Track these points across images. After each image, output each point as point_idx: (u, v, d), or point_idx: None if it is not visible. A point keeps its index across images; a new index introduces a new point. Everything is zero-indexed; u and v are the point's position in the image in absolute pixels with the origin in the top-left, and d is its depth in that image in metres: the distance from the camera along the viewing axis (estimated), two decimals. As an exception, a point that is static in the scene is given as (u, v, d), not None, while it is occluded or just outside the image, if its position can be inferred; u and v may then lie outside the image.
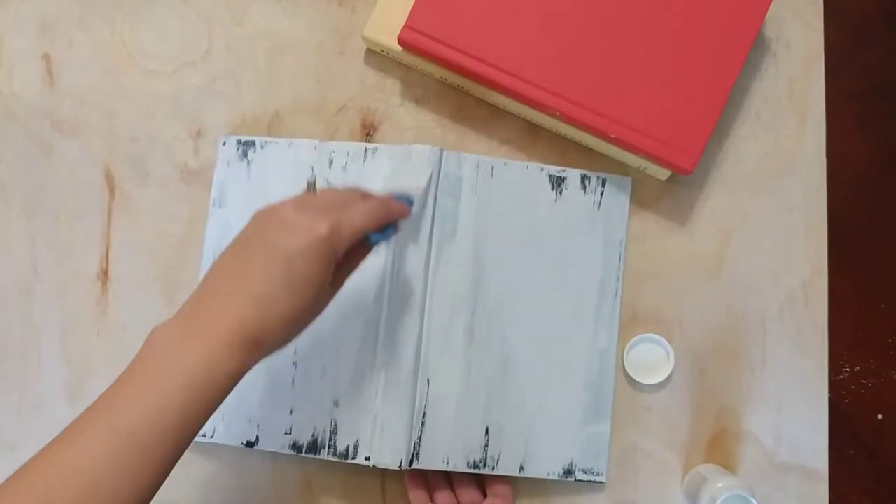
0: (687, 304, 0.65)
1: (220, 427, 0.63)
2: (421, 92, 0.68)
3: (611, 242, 0.65)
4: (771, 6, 0.62)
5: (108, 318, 0.66)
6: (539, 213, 0.64)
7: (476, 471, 0.62)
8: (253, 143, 0.66)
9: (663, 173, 0.64)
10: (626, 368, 0.64)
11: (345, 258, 0.51)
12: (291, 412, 0.62)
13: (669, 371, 0.64)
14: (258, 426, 0.63)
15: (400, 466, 0.60)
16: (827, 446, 0.64)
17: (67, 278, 0.67)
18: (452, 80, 0.66)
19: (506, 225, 0.64)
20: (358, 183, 0.64)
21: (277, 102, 0.68)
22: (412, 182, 0.61)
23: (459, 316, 0.62)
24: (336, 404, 0.62)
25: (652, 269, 0.65)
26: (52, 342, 0.66)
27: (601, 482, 0.63)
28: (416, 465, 0.60)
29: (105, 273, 0.67)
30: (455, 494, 0.62)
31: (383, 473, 0.64)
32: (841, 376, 0.66)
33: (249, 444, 0.63)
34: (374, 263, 0.63)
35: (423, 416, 0.61)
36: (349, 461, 0.61)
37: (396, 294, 0.62)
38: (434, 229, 0.62)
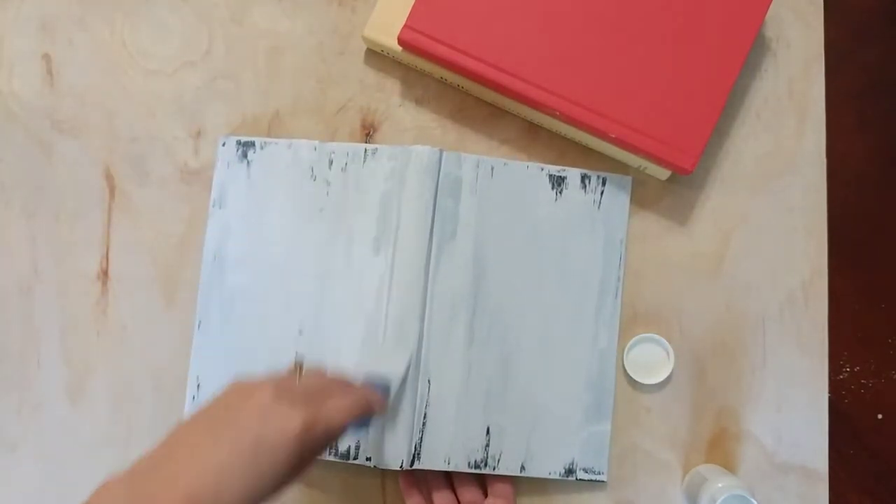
0: (687, 304, 0.65)
1: (221, 427, 0.63)
2: (421, 92, 0.68)
3: (611, 242, 0.65)
4: (771, 6, 0.62)
5: (108, 318, 0.66)
6: (539, 212, 0.64)
7: (477, 471, 0.62)
8: (253, 144, 0.66)
9: (663, 173, 0.64)
10: (626, 368, 0.64)
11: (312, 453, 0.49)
12: (292, 412, 0.62)
13: (669, 371, 0.64)
14: (258, 426, 0.63)
15: (401, 467, 0.60)
16: (827, 446, 0.64)
17: (67, 278, 0.67)
18: (452, 80, 0.66)
19: (506, 225, 0.64)
20: (358, 182, 0.64)
21: (277, 102, 0.68)
22: (389, 367, 0.60)
23: (460, 316, 0.62)
24: (336, 404, 0.62)
25: (652, 269, 0.66)
26: (52, 342, 0.66)
27: (602, 481, 0.63)
28: (417, 466, 0.60)
29: (105, 273, 0.67)
30: (456, 494, 0.62)
31: (384, 474, 0.64)
32: (841, 376, 0.66)
33: (250, 445, 0.63)
34: (375, 264, 0.63)
35: (424, 417, 0.61)
36: (350, 462, 0.61)
37: (397, 294, 0.62)
38: (434, 229, 0.62)
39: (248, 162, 0.66)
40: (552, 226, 0.64)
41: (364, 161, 0.65)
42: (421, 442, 0.61)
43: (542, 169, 0.65)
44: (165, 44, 0.69)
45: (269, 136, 0.67)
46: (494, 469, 0.62)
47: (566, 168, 0.65)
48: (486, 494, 0.62)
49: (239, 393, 0.48)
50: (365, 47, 0.68)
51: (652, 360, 0.64)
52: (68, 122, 0.68)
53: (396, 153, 0.64)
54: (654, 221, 0.66)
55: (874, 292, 0.67)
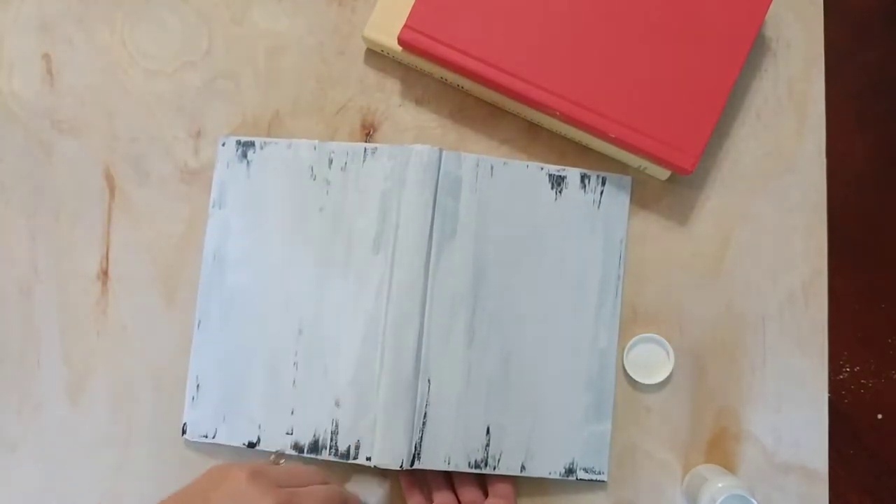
0: (687, 304, 0.65)
1: (222, 427, 0.63)
2: (421, 92, 0.68)
3: (611, 242, 0.65)
4: (771, 6, 0.62)
5: (108, 318, 0.66)
6: (539, 212, 0.64)
7: (477, 470, 0.62)
8: (252, 144, 0.66)
9: (663, 173, 0.64)
10: (626, 368, 0.64)
11: None
12: (293, 412, 0.62)
13: (669, 371, 0.64)
14: (259, 426, 0.63)
15: (401, 466, 0.60)
16: (827, 446, 0.64)
17: (67, 278, 0.67)
18: (452, 80, 0.66)
19: (506, 224, 0.64)
20: (358, 181, 0.64)
21: (277, 102, 0.68)
22: (371, 489, 0.62)
23: (460, 315, 0.62)
24: (337, 404, 0.62)
25: (652, 269, 0.66)
26: (52, 342, 0.66)
27: (603, 481, 0.63)
28: (417, 466, 0.60)
29: (105, 273, 0.67)
30: (456, 494, 0.62)
31: (384, 474, 0.64)
32: (841, 376, 0.66)
33: (251, 445, 0.63)
34: (375, 264, 0.63)
35: (424, 416, 0.61)
36: (350, 461, 0.61)
37: (397, 294, 0.62)
38: (434, 229, 0.62)
39: (247, 162, 0.66)
40: (552, 225, 0.64)
41: (364, 160, 0.65)
42: (421, 441, 0.61)
43: (542, 168, 0.65)
44: (165, 44, 0.69)
45: (269, 136, 0.67)
46: (494, 469, 0.62)
47: (566, 168, 0.65)
48: (486, 494, 0.62)
49: (214, 477, 0.48)
50: (365, 47, 0.68)
51: (652, 360, 0.64)
52: (68, 122, 0.68)
53: (396, 152, 0.64)
54: (654, 221, 0.66)
55: (874, 292, 0.67)
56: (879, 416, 0.66)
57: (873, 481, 0.65)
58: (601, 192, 0.65)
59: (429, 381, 0.61)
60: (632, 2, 0.62)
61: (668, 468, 0.64)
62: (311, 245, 0.64)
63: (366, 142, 0.67)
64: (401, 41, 0.63)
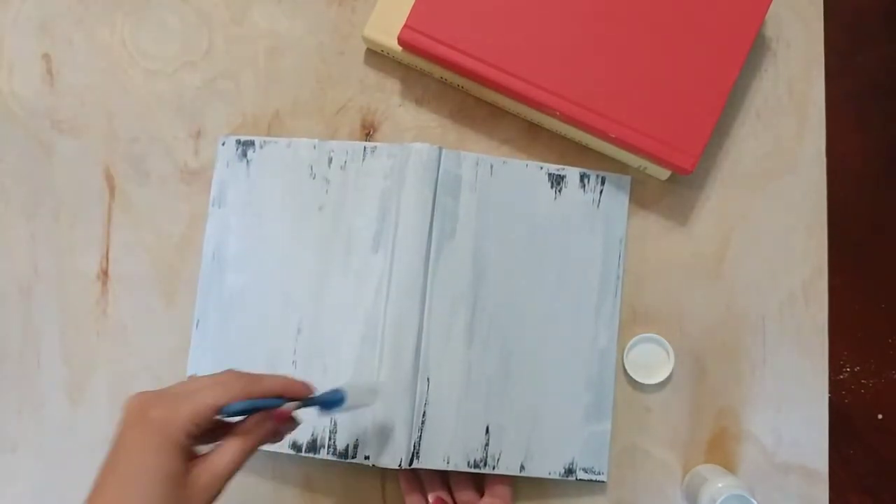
0: (687, 304, 0.65)
1: (220, 427, 0.63)
2: (421, 92, 0.68)
3: (610, 241, 0.65)
4: (771, 6, 0.62)
5: (108, 318, 0.66)
6: (538, 211, 0.64)
7: (476, 470, 0.62)
8: (252, 143, 0.66)
9: (663, 173, 0.64)
10: (626, 368, 0.64)
11: (213, 452, 0.46)
12: (291, 412, 0.62)
13: (669, 371, 0.64)
14: (258, 426, 0.63)
15: (400, 466, 0.60)
16: (827, 446, 0.64)
17: (67, 278, 0.67)
18: (452, 80, 0.66)
19: (505, 224, 0.64)
20: (358, 180, 0.64)
21: (277, 102, 0.68)
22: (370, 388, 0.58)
23: (459, 315, 0.62)
24: (336, 404, 0.62)
25: (652, 269, 0.66)
26: (52, 342, 0.66)
27: (602, 481, 0.63)
28: (416, 465, 0.60)
29: (105, 273, 0.67)
30: (452, 494, 0.62)
31: (383, 473, 0.64)
32: (841, 376, 0.66)
33: (249, 444, 0.63)
34: (374, 263, 0.63)
35: (423, 416, 0.61)
36: (349, 461, 0.61)
37: (396, 293, 0.62)
38: (434, 228, 0.62)
39: (247, 161, 0.66)
40: (551, 225, 0.64)
41: (363, 159, 0.65)
42: (420, 441, 0.61)
43: (542, 168, 0.65)
44: (165, 44, 0.69)
45: (269, 136, 0.67)
46: (494, 468, 0.62)
47: (565, 167, 0.65)
48: (482, 494, 0.62)
49: (117, 426, 0.46)
50: (365, 47, 0.68)
51: (652, 360, 0.64)
52: (68, 122, 0.68)
53: (396, 151, 0.64)
54: (654, 221, 0.66)
55: (874, 292, 0.67)
56: (879, 416, 0.66)
57: (873, 481, 0.65)
58: (601, 192, 0.65)
59: (428, 380, 0.61)
60: (632, 2, 0.62)
61: (668, 468, 0.64)
62: (310, 244, 0.64)
63: (366, 142, 0.67)
64: (401, 41, 0.63)
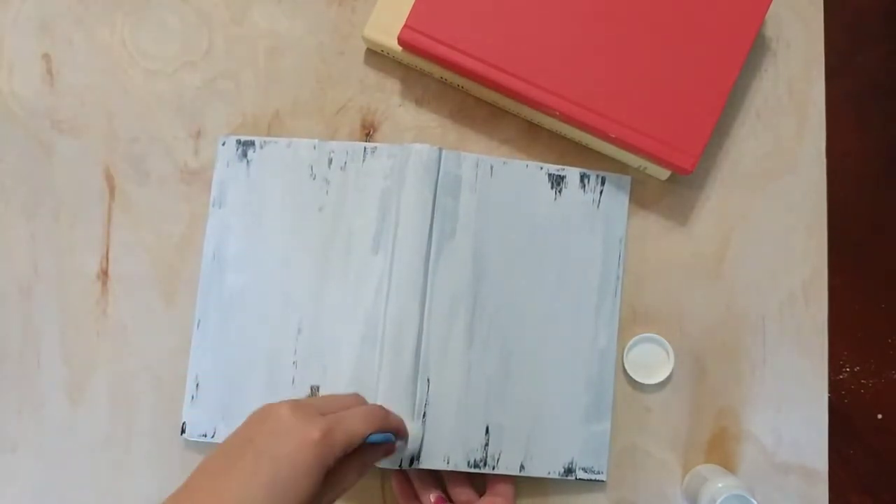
0: (687, 304, 0.65)
1: (221, 426, 0.63)
2: (421, 92, 0.68)
3: (610, 241, 0.65)
4: (771, 6, 0.62)
5: (108, 318, 0.66)
6: (539, 212, 0.64)
7: (476, 470, 0.62)
8: (252, 143, 0.66)
9: (663, 173, 0.64)
10: (626, 368, 0.64)
11: (340, 470, 0.49)
12: (291, 412, 0.62)
13: (669, 371, 0.64)
14: (258, 426, 0.63)
15: (400, 466, 0.60)
16: (827, 446, 0.64)
17: (67, 278, 0.67)
18: (452, 80, 0.66)
19: (505, 224, 0.64)
20: (358, 180, 0.64)
21: (277, 102, 0.68)
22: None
23: (459, 315, 0.62)
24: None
25: (652, 269, 0.66)
26: (52, 342, 0.66)
27: (602, 481, 0.63)
28: (416, 466, 0.60)
29: (105, 273, 0.67)
30: (449, 495, 0.62)
31: (383, 473, 0.64)
32: (841, 376, 0.66)
33: (249, 444, 0.63)
34: (374, 263, 0.63)
35: (424, 416, 0.61)
36: (349, 461, 0.61)
37: (396, 293, 0.62)
38: (434, 229, 0.62)
39: (247, 161, 0.66)
40: (551, 225, 0.64)
41: (364, 159, 0.65)
42: (420, 441, 0.61)
43: (542, 168, 0.65)
44: (165, 44, 0.69)
45: (269, 135, 0.67)
46: (494, 469, 0.62)
47: (565, 167, 0.65)
48: (480, 493, 0.62)
49: (256, 419, 0.48)
50: (365, 47, 0.68)
51: (652, 360, 0.64)
52: (68, 122, 0.68)
53: (396, 151, 0.64)
54: (654, 221, 0.66)
55: (874, 292, 0.67)
56: (879, 416, 0.66)
57: (873, 481, 0.65)
58: (601, 192, 0.65)
59: (428, 380, 0.61)
60: (632, 2, 0.62)
61: (668, 468, 0.64)
62: (310, 244, 0.64)
63: (366, 142, 0.67)
64: (401, 41, 0.63)
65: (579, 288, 0.64)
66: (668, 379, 0.64)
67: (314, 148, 0.65)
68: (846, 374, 0.66)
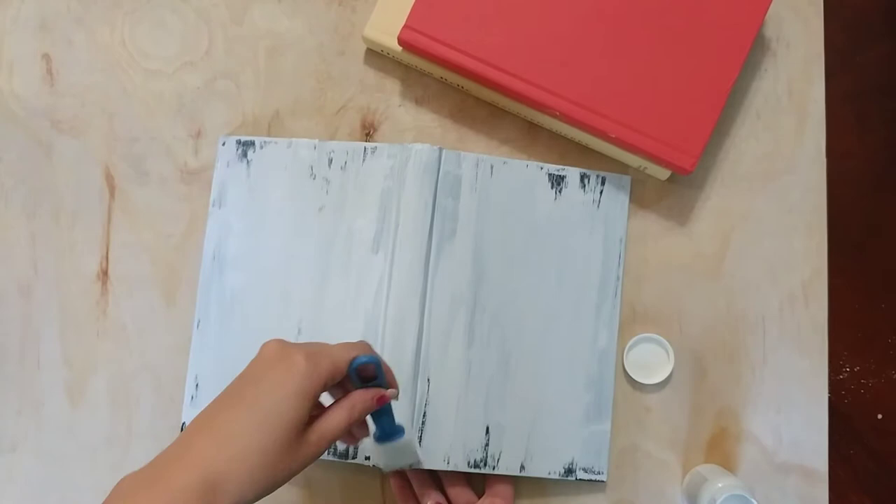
0: (687, 304, 0.65)
1: (220, 427, 0.63)
2: (421, 92, 0.68)
3: (610, 241, 0.65)
4: (771, 6, 0.62)
5: (108, 318, 0.66)
6: (539, 212, 0.64)
7: (476, 470, 0.62)
8: (252, 144, 0.66)
9: (663, 173, 0.64)
10: (626, 368, 0.64)
11: (330, 410, 0.49)
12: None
13: (669, 371, 0.64)
14: (258, 426, 0.63)
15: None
16: (827, 446, 0.64)
17: (67, 278, 0.67)
18: (452, 80, 0.66)
19: (505, 224, 0.64)
20: (358, 180, 0.64)
21: (277, 102, 0.68)
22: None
23: (459, 315, 0.62)
24: (336, 404, 0.62)
25: (652, 269, 0.66)
26: (52, 342, 0.66)
27: (602, 481, 0.63)
28: (416, 466, 0.60)
29: (105, 273, 0.67)
30: (448, 496, 0.62)
31: (383, 473, 0.64)
32: (841, 376, 0.66)
33: (249, 444, 0.63)
34: (374, 263, 0.63)
35: (424, 416, 0.61)
36: (349, 461, 0.61)
37: (396, 293, 0.62)
38: (434, 229, 0.62)
39: (247, 161, 0.66)
40: (552, 225, 0.64)
41: (364, 159, 0.65)
42: (420, 441, 0.61)
43: (542, 168, 0.65)
44: (165, 44, 0.69)
45: (269, 136, 0.67)
46: (494, 469, 0.62)
47: (566, 167, 0.65)
48: (479, 495, 0.62)
49: (252, 363, 0.49)
50: (365, 47, 0.68)
51: (652, 360, 0.64)
52: (68, 122, 0.68)
53: (396, 151, 0.64)
54: (654, 221, 0.66)
55: (874, 292, 0.67)
56: (879, 416, 0.66)
57: (873, 481, 0.65)
58: (601, 192, 0.65)
59: (428, 380, 0.61)
60: (632, 2, 0.62)
61: (668, 468, 0.64)
62: (310, 244, 0.64)
63: (366, 142, 0.67)
64: (401, 41, 0.63)
65: (579, 288, 0.64)
66: (668, 379, 0.64)
67: (314, 148, 0.65)
68: (846, 374, 0.66)
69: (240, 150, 0.66)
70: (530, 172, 0.65)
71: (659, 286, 0.65)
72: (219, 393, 0.48)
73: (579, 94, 0.61)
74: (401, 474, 0.62)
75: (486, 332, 0.63)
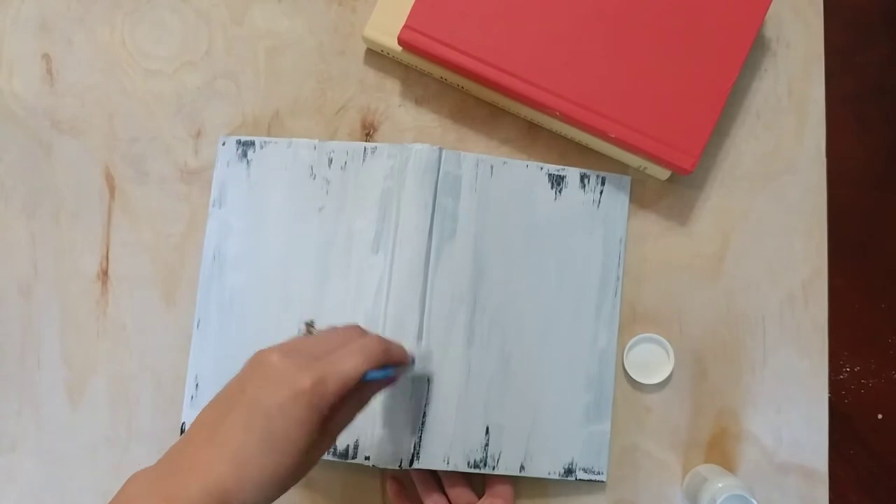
0: (687, 304, 0.65)
1: (220, 427, 0.63)
2: (421, 92, 0.68)
3: (610, 241, 0.65)
4: (771, 6, 0.62)
5: (108, 318, 0.66)
6: (539, 212, 0.64)
7: (476, 470, 0.62)
8: (252, 143, 0.66)
9: (663, 173, 0.64)
10: (626, 368, 0.64)
11: (339, 407, 0.48)
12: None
13: (669, 371, 0.64)
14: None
15: (400, 466, 0.60)
16: (827, 446, 0.64)
17: (67, 278, 0.67)
18: (452, 80, 0.66)
19: (505, 224, 0.64)
20: (358, 180, 0.64)
21: (277, 102, 0.68)
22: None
23: (459, 315, 0.62)
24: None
25: (652, 269, 0.66)
26: (52, 342, 0.66)
27: (602, 481, 0.63)
28: (416, 465, 0.60)
29: (105, 273, 0.67)
30: (448, 497, 0.62)
31: (383, 473, 0.64)
32: (841, 376, 0.66)
33: (249, 444, 0.63)
34: (374, 263, 0.63)
35: (424, 416, 0.61)
36: (349, 461, 0.61)
37: (396, 293, 0.62)
38: (434, 229, 0.62)
39: (247, 161, 0.66)
40: (551, 225, 0.64)
41: (364, 159, 0.65)
42: (420, 441, 0.61)
43: (542, 168, 0.65)
44: (165, 44, 0.69)
45: (269, 136, 0.67)
46: (494, 469, 0.62)
47: (566, 167, 0.65)
48: (478, 495, 0.62)
49: (249, 366, 0.48)
50: (365, 47, 0.68)
51: (652, 360, 0.64)
52: (68, 122, 0.68)
53: (396, 151, 0.64)
54: (654, 221, 0.66)
55: (874, 292, 0.67)
56: (879, 416, 0.66)
57: (873, 481, 0.65)
58: (601, 192, 0.65)
59: (428, 380, 0.61)
60: (632, 2, 0.62)
61: (668, 468, 0.64)
62: (310, 244, 0.64)
63: (366, 142, 0.67)
64: (401, 41, 0.63)
65: (579, 288, 0.64)
66: (668, 379, 0.64)
67: (314, 148, 0.65)
68: (846, 374, 0.66)
69: (240, 150, 0.66)
70: (530, 172, 0.65)
71: (659, 286, 0.65)
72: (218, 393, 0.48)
73: (579, 94, 0.61)
74: (397, 477, 0.62)
75: (485, 332, 0.63)
